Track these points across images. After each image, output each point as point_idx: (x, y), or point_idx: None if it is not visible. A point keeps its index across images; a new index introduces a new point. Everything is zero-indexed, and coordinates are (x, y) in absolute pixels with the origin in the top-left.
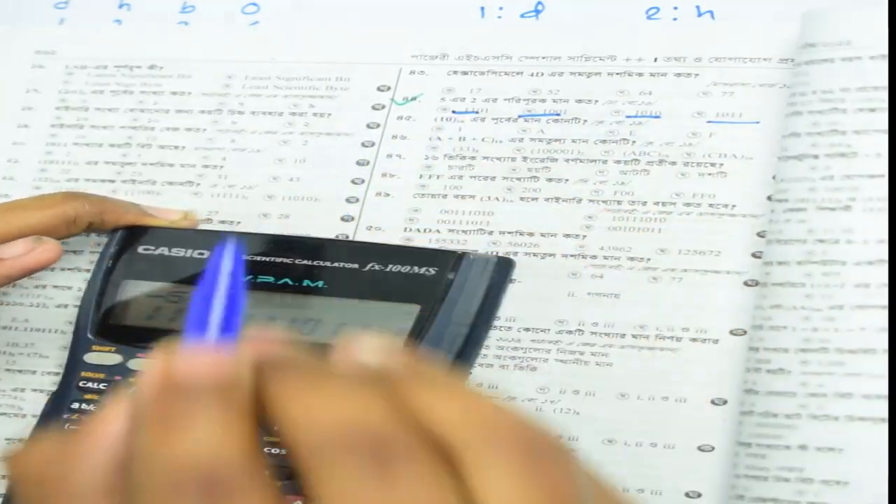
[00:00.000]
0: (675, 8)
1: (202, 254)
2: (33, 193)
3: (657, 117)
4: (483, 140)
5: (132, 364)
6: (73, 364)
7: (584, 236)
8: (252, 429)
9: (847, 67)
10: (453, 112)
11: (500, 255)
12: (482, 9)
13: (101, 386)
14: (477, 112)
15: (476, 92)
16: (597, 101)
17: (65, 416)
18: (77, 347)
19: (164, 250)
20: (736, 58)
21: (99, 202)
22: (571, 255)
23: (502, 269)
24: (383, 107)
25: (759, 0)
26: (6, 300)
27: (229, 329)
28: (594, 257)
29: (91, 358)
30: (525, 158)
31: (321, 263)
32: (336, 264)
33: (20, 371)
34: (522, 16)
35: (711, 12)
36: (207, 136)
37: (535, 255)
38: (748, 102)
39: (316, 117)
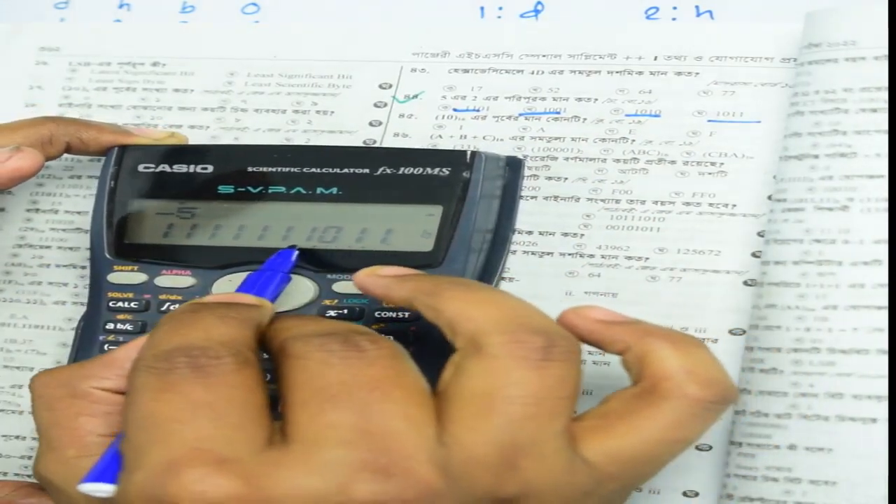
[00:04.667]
0: (675, 8)
1: (205, 168)
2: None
3: (657, 116)
4: (484, 138)
5: (159, 281)
6: (98, 286)
7: (583, 235)
8: (250, 339)
9: (851, 67)
10: (454, 110)
11: (508, 155)
12: (482, 8)
13: (133, 305)
14: (478, 110)
15: (477, 90)
16: (596, 99)
17: (101, 337)
18: (98, 269)
19: (164, 167)
20: (737, 57)
21: (74, 122)
22: (569, 254)
23: (514, 168)
24: (385, 104)
25: (757, 0)
26: (3, 297)
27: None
28: (592, 256)
29: (115, 278)
30: (525, 157)
31: (331, 170)
32: (347, 170)
33: (18, 368)
34: (522, 15)
35: (710, 12)
36: (211, 134)
37: (532, 253)
38: (749, 102)
39: (319, 115)
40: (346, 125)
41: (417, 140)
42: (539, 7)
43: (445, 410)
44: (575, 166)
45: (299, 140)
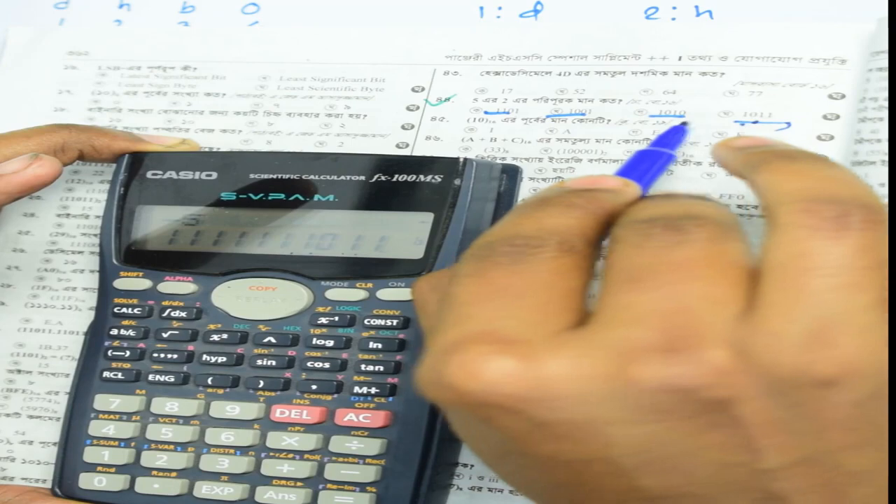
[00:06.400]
0: (674, 8)
1: (210, 175)
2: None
3: (681, 117)
4: (513, 141)
5: (162, 287)
6: (105, 292)
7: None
8: (589, 227)
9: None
10: (485, 113)
11: (504, 161)
12: (481, 8)
13: (136, 311)
14: (508, 112)
15: (507, 92)
16: (620, 100)
17: (105, 343)
18: (106, 275)
19: (172, 174)
20: (764, 57)
21: (86, 129)
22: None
23: (510, 175)
24: (417, 108)
25: (756, 0)
26: (37, 302)
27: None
28: None
29: (121, 284)
30: (551, 159)
31: (329, 177)
32: (343, 177)
33: (54, 374)
34: (521, 15)
35: (710, 12)
36: (243, 138)
37: None
38: (778, 103)
39: (352, 118)
40: (379, 128)
41: (449, 143)
42: (538, 7)
43: (755, 287)
44: (598, 168)
45: (333, 144)
